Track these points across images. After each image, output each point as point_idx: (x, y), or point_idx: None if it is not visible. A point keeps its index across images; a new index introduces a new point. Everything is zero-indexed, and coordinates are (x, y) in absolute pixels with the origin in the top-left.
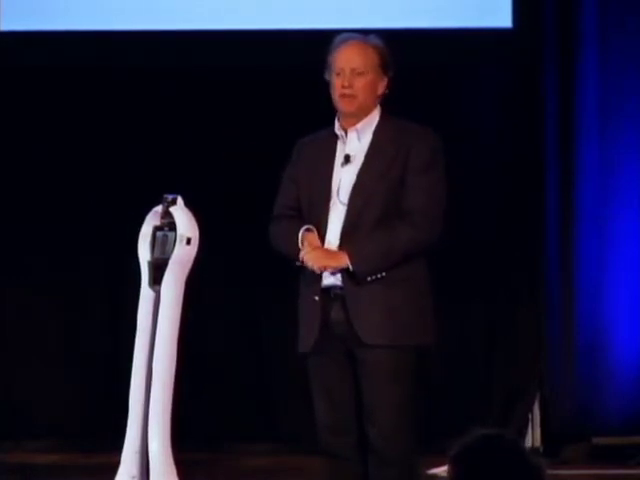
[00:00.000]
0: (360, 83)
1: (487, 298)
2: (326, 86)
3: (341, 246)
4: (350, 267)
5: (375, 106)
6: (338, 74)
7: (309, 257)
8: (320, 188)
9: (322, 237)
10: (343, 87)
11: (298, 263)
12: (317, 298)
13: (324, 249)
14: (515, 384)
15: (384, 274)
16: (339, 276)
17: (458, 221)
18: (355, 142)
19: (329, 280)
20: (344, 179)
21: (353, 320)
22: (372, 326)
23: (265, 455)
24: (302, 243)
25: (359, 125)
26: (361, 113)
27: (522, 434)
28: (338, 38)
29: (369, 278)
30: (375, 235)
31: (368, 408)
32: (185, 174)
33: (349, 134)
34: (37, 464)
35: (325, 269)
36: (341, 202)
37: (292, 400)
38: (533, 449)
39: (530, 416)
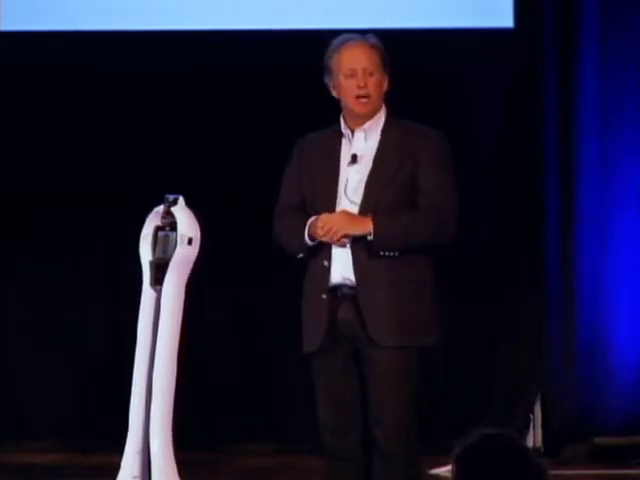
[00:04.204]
0: (372, 83)
1: (488, 298)
2: (326, 86)
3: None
4: (371, 235)
5: (381, 105)
6: (351, 75)
7: (333, 221)
8: (326, 186)
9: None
10: (359, 87)
11: (301, 255)
12: (325, 297)
13: (349, 212)
14: (516, 384)
15: (397, 254)
16: (348, 275)
17: (459, 221)
18: (362, 142)
19: (337, 279)
20: (351, 178)
21: (366, 320)
22: (384, 327)
23: (267, 455)
24: (309, 230)
25: (366, 125)
26: (373, 113)
27: (523, 434)
28: (337, 40)
29: (382, 253)
30: (400, 214)
31: (374, 408)
32: (187, 174)
33: (356, 133)
34: (38, 464)
35: (346, 237)
36: (351, 201)
37: (294, 400)
38: (534, 449)
39: (531, 416)
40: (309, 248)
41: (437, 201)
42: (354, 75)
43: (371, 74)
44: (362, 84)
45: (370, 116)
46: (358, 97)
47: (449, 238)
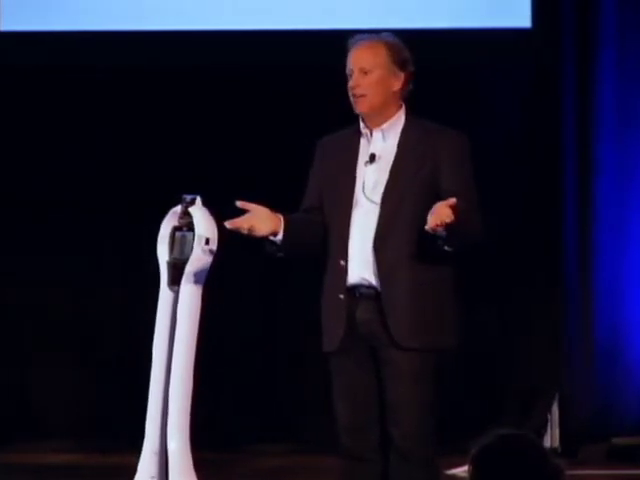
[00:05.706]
0: (367, 81)
1: (506, 298)
2: (339, 87)
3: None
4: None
5: (397, 105)
6: (350, 76)
7: (446, 213)
8: (343, 185)
9: (345, 234)
10: (351, 88)
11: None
12: (342, 297)
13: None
14: (534, 384)
15: (448, 249)
16: (366, 274)
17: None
18: (380, 141)
19: (354, 279)
20: (368, 178)
21: (389, 321)
22: (406, 328)
23: (282, 455)
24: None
25: (385, 125)
26: (377, 112)
27: (541, 434)
28: (349, 41)
29: (446, 247)
30: (469, 212)
31: (392, 408)
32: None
33: (374, 134)
34: (54, 465)
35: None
36: (371, 201)
37: (309, 400)
38: (551, 449)
39: (549, 416)
40: (274, 243)
41: (468, 201)
42: (351, 75)
43: (368, 72)
44: (352, 84)
45: (373, 115)
46: (353, 96)
47: (481, 238)
